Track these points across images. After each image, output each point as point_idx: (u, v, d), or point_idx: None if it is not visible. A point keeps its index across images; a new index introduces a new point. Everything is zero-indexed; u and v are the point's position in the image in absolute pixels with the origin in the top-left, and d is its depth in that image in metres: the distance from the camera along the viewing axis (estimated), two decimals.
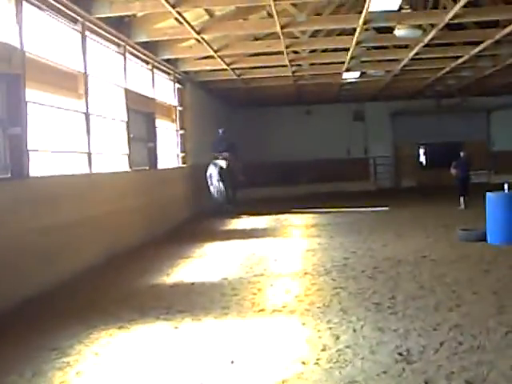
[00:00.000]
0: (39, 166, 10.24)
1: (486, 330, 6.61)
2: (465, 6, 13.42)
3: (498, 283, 8.96)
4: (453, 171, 20.12)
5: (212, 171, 21.14)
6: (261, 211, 21.75)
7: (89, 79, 12.33)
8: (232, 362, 5.91)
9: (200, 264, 11.80)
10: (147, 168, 16.61)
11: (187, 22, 13.76)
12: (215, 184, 21.19)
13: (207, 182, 21.28)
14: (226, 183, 21.26)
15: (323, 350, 6.20)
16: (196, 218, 20.64)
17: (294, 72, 21.50)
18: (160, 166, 17.51)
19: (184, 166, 20.98)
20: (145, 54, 16.33)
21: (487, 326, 6.75)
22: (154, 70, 17.62)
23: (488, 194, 12.83)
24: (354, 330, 6.82)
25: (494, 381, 5.19)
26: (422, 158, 34.75)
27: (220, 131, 22.89)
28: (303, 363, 5.82)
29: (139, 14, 14.26)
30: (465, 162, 20.33)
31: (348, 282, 9.41)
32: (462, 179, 19.89)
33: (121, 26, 13.96)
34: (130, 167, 14.74)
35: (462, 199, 19.81)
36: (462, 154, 20.59)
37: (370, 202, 23.10)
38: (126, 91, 14.75)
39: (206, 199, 22.43)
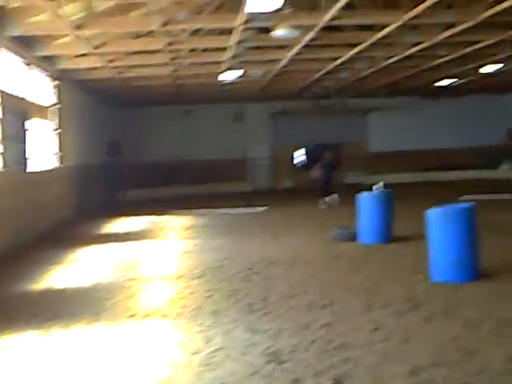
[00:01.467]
0: None
1: (354, 328, 6.77)
2: (342, 9, 13.72)
3: (367, 281, 9.21)
4: (316, 173, 20.49)
5: (106, 172, 23.39)
6: (139, 213, 21.54)
7: None
8: (102, 370, 5.78)
9: (73, 269, 11.46)
10: (21, 168, 16.03)
11: (64, 17, 13.35)
12: (108, 184, 23.38)
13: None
14: (115, 184, 23.53)
15: (194, 353, 6.17)
16: (74, 220, 20.15)
17: (174, 71, 21.33)
18: (36, 166, 16.94)
19: (62, 166, 20.40)
20: (19, 50, 15.67)
21: (356, 324, 6.93)
22: (30, 67, 16.98)
23: (359, 194, 13.16)
24: (226, 332, 6.81)
25: (359, 377, 5.32)
26: (299, 159, 34.90)
27: (109, 136, 23.74)
28: (174, 367, 5.77)
29: (11, 6, 13.55)
30: (329, 163, 20.73)
31: (222, 284, 9.42)
32: (326, 180, 20.30)
33: None
34: (4, 167, 14.18)
35: (326, 199, 20.31)
36: (326, 155, 20.99)
37: (249, 202, 23.24)
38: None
39: (88, 199, 22.36)
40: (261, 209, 21.22)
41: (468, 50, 19.45)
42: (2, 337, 7.07)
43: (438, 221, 8.99)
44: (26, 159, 16.42)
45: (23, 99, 16.56)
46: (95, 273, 10.90)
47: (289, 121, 33.24)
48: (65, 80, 20.70)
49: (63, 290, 9.64)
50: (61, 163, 20.26)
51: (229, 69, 21.21)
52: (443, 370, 5.41)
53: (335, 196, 20.19)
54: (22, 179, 15.99)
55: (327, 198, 20.25)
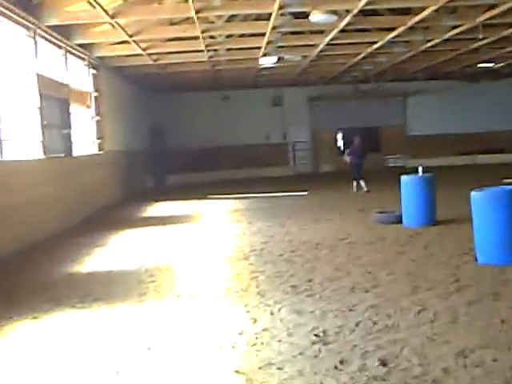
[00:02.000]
0: None
1: (399, 310, 6.72)
2: None
3: (411, 264, 9.13)
4: (347, 158, 20.41)
5: (149, 157, 25.12)
6: (180, 197, 21.71)
7: None
8: (149, 349, 5.83)
9: (117, 252, 11.61)
10: (63, 155, 16.24)
11: (100, 5, 13.44)
12: (151, 169, 25.06)
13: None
14: (158, 169, 24.90)
15: (241, 333, 6.19)
16: (116, 205, 20.42)
17: (210, 57, 21.36)
18: (76, 152, 17.14)
19: (101, 152, 20.60)
20: (57, 38, 15.82)
21: (401, 306, 6.86)
22: (68, 55, 17.12)
23: (403, 177, 13.07)
24: (272, 313, 6.82)
25: (406, 358, 5.28)
26: (340, 143, 35.08)
27: (150, 122, 27.13)
28: (220, 347, 5.78)
29: None
30: (359, 147, 20.59)
31: (266, 266, 9.42)
32: (357, 165, 20.20)
33: (29, 8, 13.40)
34: (45, 154, 14.37)
35: (355, 183, 20.29)
36: (356, 140, 20.83)
37: (289, 186, 23.25)
38: (38, 76, 14.32)
39: (131, 184, 23.11)
40: (302, 193, 21.18)
41: (508, 32, 19.11)
42: (50, 316, 7.18)
43: (483, 203, 8.86)
44: (71, 144, 16.64)
45: (67, 85, 16.75)
46: (139, 255, 11.01)
47: (327, 105, 33.21)
48: (102, 67, 20.87)
49: (108, 271, 9.75)
50: (100, 149, 20.45)
51: (266, 54, 21.17)
52: (492, 352, 5.32)
53: (362, 182, 20.10)
54: (68, 164, 16.23)
55: (354, 183, 20.20)
